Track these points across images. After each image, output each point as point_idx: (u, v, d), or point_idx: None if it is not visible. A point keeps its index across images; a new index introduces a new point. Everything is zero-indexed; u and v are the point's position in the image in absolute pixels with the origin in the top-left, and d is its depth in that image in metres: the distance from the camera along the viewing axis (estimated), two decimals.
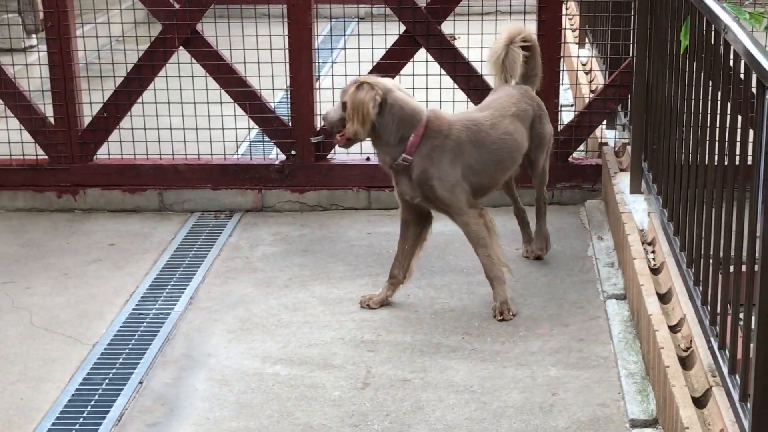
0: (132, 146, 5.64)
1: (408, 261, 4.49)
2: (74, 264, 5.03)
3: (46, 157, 5.68)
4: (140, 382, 3.97)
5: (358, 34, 5.64)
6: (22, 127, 5.66)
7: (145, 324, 4.43)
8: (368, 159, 5.63)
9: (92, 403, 3.84)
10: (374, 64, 5.49)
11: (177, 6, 5.47)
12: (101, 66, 5.78)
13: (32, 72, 5.90)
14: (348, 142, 4.31)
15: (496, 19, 5.44)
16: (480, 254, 4.38)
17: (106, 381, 3.98)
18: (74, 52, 5.52)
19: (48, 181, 5.67)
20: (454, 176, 4.28)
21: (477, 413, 3.72)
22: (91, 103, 5.66)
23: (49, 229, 5.48)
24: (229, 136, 5.75)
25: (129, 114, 5.63)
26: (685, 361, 3.55)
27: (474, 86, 5.44)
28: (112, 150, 5.67)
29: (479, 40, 5.31)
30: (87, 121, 5.66)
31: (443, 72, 5.50)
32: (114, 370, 4.05)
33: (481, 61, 5.49)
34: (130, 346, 4.24)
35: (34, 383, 3.96)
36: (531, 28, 4.85)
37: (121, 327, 4.41)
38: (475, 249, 4.39)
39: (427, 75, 5.48)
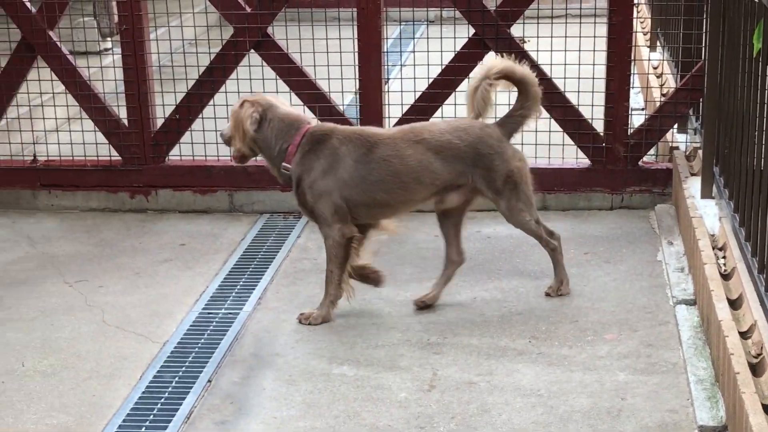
0: (203, 148, 5.72)
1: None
2: (146, 264, 5.11)
3: (120, 158, 5.78)
4: (209, 381, 4.02)
5: (428, 37, 5.64)
6: (97, 129, 5.77)
7: (214, 323, 4.49)
8: None
9: (162, 400, 3.90)
10: (443, 67, 5.49)
11: (248, 9, 5.53)
12: (174, 69, 5.86)
13: (107, 74, 6.01)
14: (242, 159, 4.48)
15: (566, 22, 5.41)
16: (327, 267, 4.43)
17: (176, 379, 4.04)
18: (147, 55, 5.61)
19: (121, 182, 5.78)
20: (324, 186, 4.32)
21: (544, 417, 3.70)
22: (163, 105, 5.75)
23: (122, 229, 5.57)
24: None
25: (200, 116, 5.71)
26: (756, 368, 3.50)
27: (543, 89, 5.40)
28: (183, 151, 5.76)
29: (549, 44, 5.29)
30: (159, 122, 5.76)
31: None
32: (183, 369, 4.11)
33: (551, 65, 5.48)
34: (199, 345, 4.30)
35: (105, 380, 4.04)
36: (515, 65, 4.48)
37: (190, 326, 4.47)
38: (326, 261, 4.44)
39: None
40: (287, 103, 4.53)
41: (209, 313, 4.58)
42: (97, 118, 5.73)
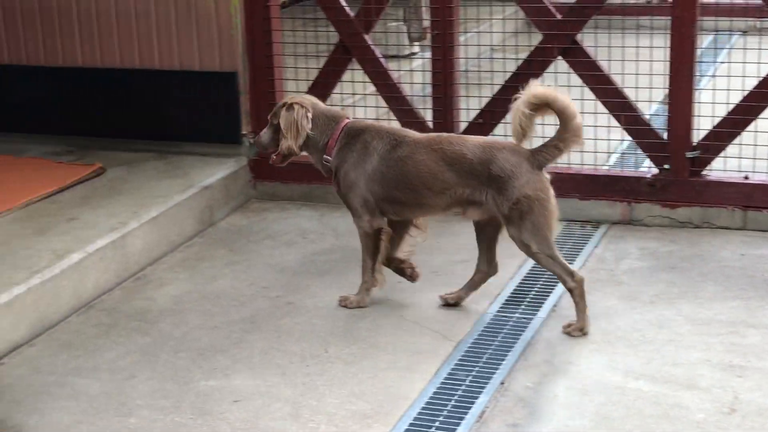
0: None
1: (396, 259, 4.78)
2: (443, 263, 5.21)
3: None
4: (501, 383, 4.05)
5: (744, 48, 5.42)
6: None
7: (508, 327, 4.51)
8: (746, 177, 5.40)
9: (455, 397, 3.96)
10: (760, 79, 5.25)
11: (559, 16, 5.52)
12: (480, 73, 5.94)
13: (415, 77, 6.19)
14: (283, 159, 4.68)
15: None
16: (362, 257, 4.67)
17: (469, 378, 4.10)
18: (456, 60, 5.72)
19: None
20: (353, 178, 4.57)
21: None
22: (468, 109, 5.84)
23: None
24: (601, 146, 5.71)
25: (503, 121, 5.75)
26: None
27: None
28: None
29: None
30: (463, 126, 5.85)
31: None
32: (477, 369, 4.16)
33: None
34: (493, 347, 4.33)
35: (402, 372, 4.15)
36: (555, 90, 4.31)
37: (485, 327, 4.52)
38: (361, 251, 4.68)
39: None
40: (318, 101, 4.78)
41: (503, 316, 4.61)
42: (404, 120, 5.89)
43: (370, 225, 4.61)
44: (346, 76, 6.03)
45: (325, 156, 4.64)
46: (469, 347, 4.34)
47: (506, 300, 4.77)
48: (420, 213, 4.67)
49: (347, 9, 5.85)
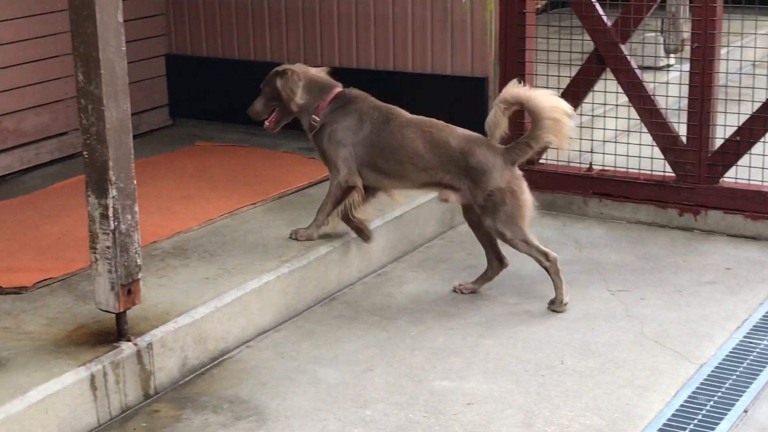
0: (761, 173, 5.52)
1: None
2: (688, 282, 5.05)
3: (673, 174, 5.75)
4: (745, 411, 3.89)
5: None
6: (653, 143, 5.80)
7: (755, 353, 4.32)
8: None
9: (695, 421, 3.83)
10: None
11: None
12: (740, 89, 5.71)
13: (669, 90, 6.02)
14: (276, 125, 5.00)
15: None
16: (323, 201, 4.94)
17: (710, 403, 3.95)
18: (715, 74, 5.52)
19: (671, 198, 5.75)
20: (342, 136, 4.84)
21: None
22: (725, 125, 5.63)
23: (667, 244, 5.55)
24: None
25: (763, 140, 5.51)
26: None
27: None
28: (739, 174, 5.60)
29: None
30: (718, 143, 5.64)
31: None
32: (719, 394, 4.01)
33: None
34: (737, 373, 4.16)
35: (639, 391, 4.05)
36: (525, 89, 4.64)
37: (730, 352, 4.34)
38: (325, 197, 4.94)
39: None
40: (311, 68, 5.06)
41: (750, 342, 4.42)
42: (656, 133, 5.74)
43: (345, 180, 4.85)
44: (598, 85, 5.94)
45: (313, 116, 4.91)
46: (713, 371, 4.19)
47: (755, 326, 4.58)
48: (398, 185, 4.96)
49: (604, 18, 5.76)
